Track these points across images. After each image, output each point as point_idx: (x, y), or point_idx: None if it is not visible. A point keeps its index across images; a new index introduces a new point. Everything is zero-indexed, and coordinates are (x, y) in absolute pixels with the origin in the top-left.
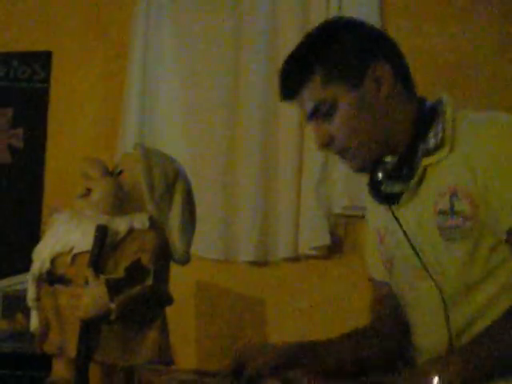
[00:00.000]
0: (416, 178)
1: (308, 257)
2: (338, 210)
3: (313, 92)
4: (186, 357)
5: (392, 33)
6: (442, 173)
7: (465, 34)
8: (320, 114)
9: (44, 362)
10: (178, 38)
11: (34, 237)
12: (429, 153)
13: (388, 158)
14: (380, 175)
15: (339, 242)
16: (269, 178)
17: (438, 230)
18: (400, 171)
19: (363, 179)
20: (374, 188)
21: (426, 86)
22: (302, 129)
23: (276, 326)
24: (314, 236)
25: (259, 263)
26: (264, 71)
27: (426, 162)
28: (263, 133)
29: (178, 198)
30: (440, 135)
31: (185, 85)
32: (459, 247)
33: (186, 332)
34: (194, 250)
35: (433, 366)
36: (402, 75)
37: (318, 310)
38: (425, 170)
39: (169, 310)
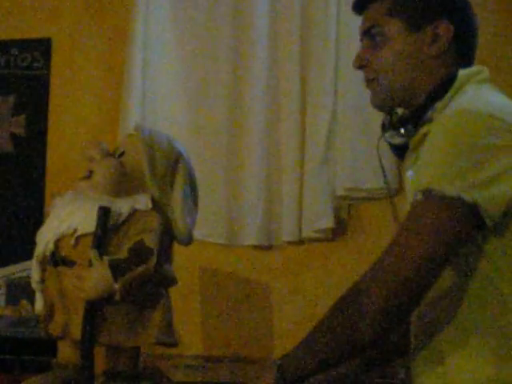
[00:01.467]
0: (412, 145)
1: (312, 240)
2: (341, 192)
3: (375, 14)
4: (192, 341)
5: None
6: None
7: None
8: (370, 37)
9: (49, 346)
10: (179, 21)
11: (38, 224)
12: (425, 123)
13: (399, 110)
14: (386, 123)
15: (343, 225)
16: (272, 161)
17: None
18: (404, 126)
19: (367, 160)
20: (383, 134)
21: None
22: (304, 111)
23: (280, 310)
24: (318, 218)
25: (263, 247)
26: (266, 52)
27: (421, 132)
28: (266, 116)
29: (179, 179)
30: (435, 109)
31: (186, 67)
32: None
33: (191, 317)
34: (197, 234)
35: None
36: (463, 44)
37: (323, 293)
38: (421, 140)
39: (174, 294)
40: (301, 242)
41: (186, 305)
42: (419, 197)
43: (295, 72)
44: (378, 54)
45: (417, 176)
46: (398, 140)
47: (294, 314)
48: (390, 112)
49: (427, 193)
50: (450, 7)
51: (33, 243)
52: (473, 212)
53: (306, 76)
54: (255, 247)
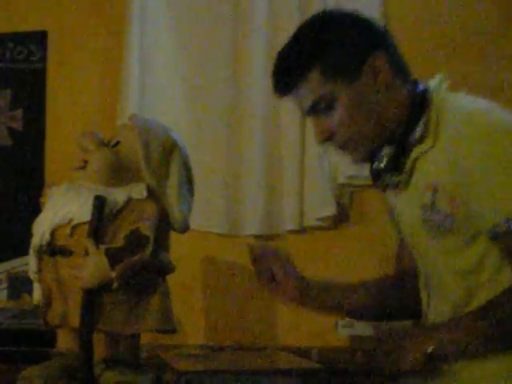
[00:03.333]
0: (407, 169)
1: (314, 228)
2: (343, 180)
3: (310, 89)
4: (194, 331)
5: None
6: (428, 166)
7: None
8: (318, 109)
9: (49, 337)
10: (176, 12)
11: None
12: (416, 143)
13: (386, 149)
14: (378, 167)
15: (345, 213)
16: (273, 150)
17: (422, 223)
18: (396, 162)
19: None
20: (375, 178)
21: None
22: None
23: None
24: (320, 206)
25: (265, 236)
26: (266, 41)
27: (414, 153)
28: (266, 104)
29: (174, 168)
30: (424, 126)
31: (184, 57)
32: (439, 242)
33: (193, 306)
34: (199, 224)
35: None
36: (396, 62)
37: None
38: (415, 160)
39: (176, 284)
40: (303, 230)
41: (188, 294)
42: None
43: None
44: (336, 120)
45: (489, 205)
46: (396, 178)
47: None
48: (373, 158)
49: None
50: (369, 39)
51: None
52: None
53: None
54: (257, 237)
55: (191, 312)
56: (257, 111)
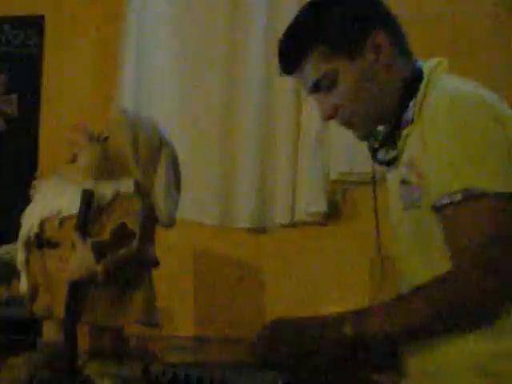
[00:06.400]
0: (398, 149)
1: (305, 223)
2: (335, 177)
3: (314, 67)
4: (184, 323)
5: None
6: (410, 144)
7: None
8: (322, 86)
9: (36, 326)
10: (174, 1)
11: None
12: (408, 123)
13: (381, 128)
14: (375, 144)
15: (337, 209)
16: (266, 144)
17: (400, 198)
18: (391, 139)
19: (361, 145)
20: (373, 155)
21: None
22: (299, 94)
23: (273, 293)
24: (311, 202)
25: (256, 230)
26: (262, 33)
27: (405, 132)
28: (260, 98)
29: (162, 163)
30: (414, 106)
31: (182, 48)
32: (409, 216)
33: (183, 298)
34: (191, 216)
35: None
36: (398, 41)
37: (315, 277)
38: (405, 140)
39: (166, 276)
40: (294, 225)
41: (178, 286)
42: (458, 198)
43: None
44: (340, 97)
45: (439, 177)
46: (390, 154)
47: (286, 297)
48: (370, 135)
49: (466, 192)
50: (371, 16)
51: None
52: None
53: None
54: (248, 230)
55: (181, 303)
56: (252, 105)
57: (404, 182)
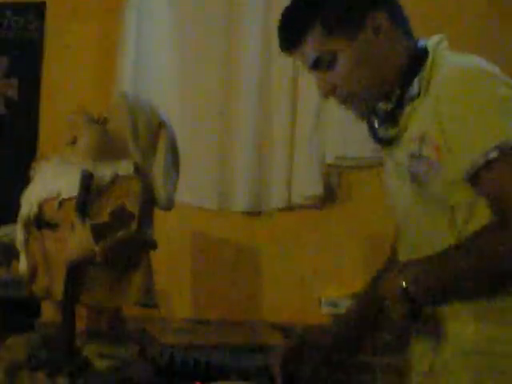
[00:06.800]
0: (401, 125)
1: (301, 207)
2: (331, 161)
3: (313, 44)
4: (181, 306)
5: None
6: (417, 118)
7: None
8: (321, 64)
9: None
10: None
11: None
12: (412, 99)
13: (382, 105)
14: (375, 121)
15: (332, 192)
16: (263, 128)
17: (409, 172)
18: (392, 117)
19: (357, 129)
20: (372, 133)
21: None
22: (296, 78)
23: (269, 276)
24: (307, 186)
25: (253, 213)
26: (259, 18)
27: (408, 108)
28: (258, 83)
29: (161, 146)
30: (419, 83)
31: (180, 32)
32: (423, 190)
33: (180, 280)
34: (188, 200)
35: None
36: (398, 20)
37: (311, 259)
38: (409, 115)
39: (164, 259)
40: (290, 208)
41: (175, 269)
42: (494, 155)
43: None
44: (339, 75)
45: (468, 142)
46: (392, 132)
47: (282, 279)
48: (371, 113)
49: (503, 148)
50: None
51: None
52: None
53: None
54: (245, 213)
55: (178, 286)
56: (248, 89)
57: (415, 155)
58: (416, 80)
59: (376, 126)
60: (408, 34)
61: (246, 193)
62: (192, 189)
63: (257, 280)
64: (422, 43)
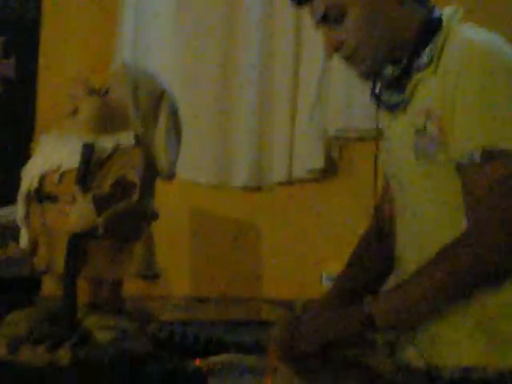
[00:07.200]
0: (407, 93)
1: (302, 180)
2: (332, 133)
3: None
4: (180, 282)
5: None
6: (426, 92)
7: None
8: (330, 19)
9: (34, 284)
10: None
11: None
12: (420, 69)
13: (389, 69)
14: (380, 85)
15: (333, 165)
16: (263, 101)
17: (413, 147)
18: (398, 82)
19: (358, 101)
20: (375, 97)
21: None
22: (298, 52)
23: (270, 251)
24: (308, 159)
25: (253, 188)
26: None
27: (416, 78)
28: (259, 57)
29: (163, 116)
30: (430, 53)
31: (179, 6)
32: (427, 167)
33: (179, 257)
34: (188, 175)
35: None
36: None
37: (312, 234)
38: (416, 85)
39: (162, 235)
40: (291, 182)
41: (174, 245)
42: (477, 159)
43: (289, 15)
44: (347, 30)
45: (463, 134)
46: (396, 97)
47: (283, 255)
48: (376, 76)
49: (487, 153)
50: None
51: None
52: None
53: (299, 20)
54: (245, 188)
55: (177, 262)
56: (249, 64)
57: (420, 131)
58: (428, 49)
59: (380, 90)
60: (422, 1)
61: (246, 167)
62: (191, 164)
63: (257, 256)
64: (436, 13)
